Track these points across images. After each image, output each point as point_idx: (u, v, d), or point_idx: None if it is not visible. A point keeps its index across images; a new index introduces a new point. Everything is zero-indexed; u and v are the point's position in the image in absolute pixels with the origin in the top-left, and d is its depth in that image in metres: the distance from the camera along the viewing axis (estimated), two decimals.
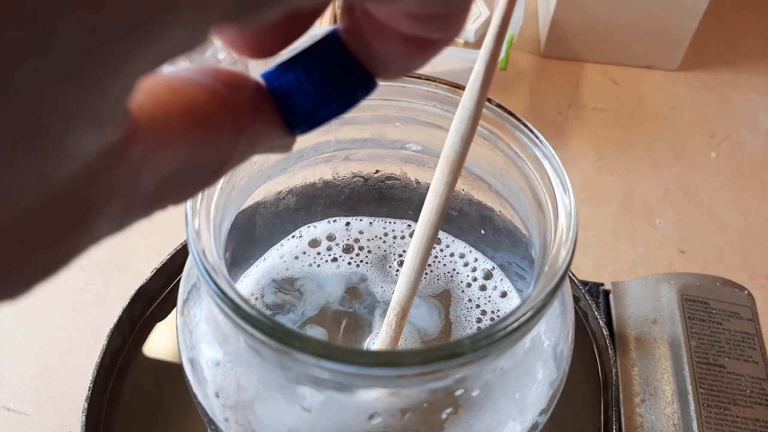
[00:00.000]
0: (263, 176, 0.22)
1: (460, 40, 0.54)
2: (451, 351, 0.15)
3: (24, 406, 0.40)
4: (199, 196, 0.18)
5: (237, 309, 0.16)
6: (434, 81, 0.21)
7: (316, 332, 0.26)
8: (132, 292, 0.26)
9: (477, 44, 0.54)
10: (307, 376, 0.17)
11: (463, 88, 0.22)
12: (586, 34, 0.61)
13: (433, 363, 0.15)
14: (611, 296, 0.40)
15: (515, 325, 0.16)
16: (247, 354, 0.18)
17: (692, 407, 0.35)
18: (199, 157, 0.12)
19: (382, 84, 0.22)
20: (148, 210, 0.12)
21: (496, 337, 0.16)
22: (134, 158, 0.11)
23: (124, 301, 0.25)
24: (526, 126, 0.20)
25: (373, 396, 0.18)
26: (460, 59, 0.49)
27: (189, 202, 0.18)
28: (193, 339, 0.20)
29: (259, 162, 0.21)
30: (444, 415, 0.18)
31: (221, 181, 0.19)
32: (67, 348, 0.44)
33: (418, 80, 0.21)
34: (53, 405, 0.40)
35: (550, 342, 0.19)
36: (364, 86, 0.14)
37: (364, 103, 0.23)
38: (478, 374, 0.18)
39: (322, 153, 0.24)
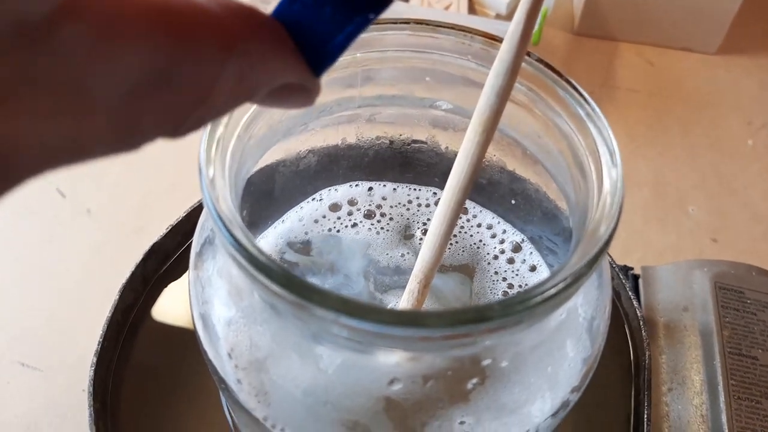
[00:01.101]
0: (283, 128, 0.21)
1: (491, 12, 0.52)
2: (480, 314, 0.14)
3: (38, 362, 0.40)
4: (214, 142, 0.17)
5: (252, 258, 0.15)
6: (470, 32, 0.20)
7: None
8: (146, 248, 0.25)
9: (508, 17, 0.52)
10: (324, 334, 0.16)
11: (500, 40, 0.20)
12: (622, 12, 0.59)
13: (459, 326, 0.14)
14: (641, 281, 0.38)
15: (552, 291, 0.14)
16: (262, 310, 0.17)
17: (722, 399, 0.34)
18: (172, 71, 0.11)
19: (411, 34, 0.21)
20: (121, 132, 0.11)
21: (530, 304, 0.14)
22: (72, 44, 0.09)
23: (139, 259, 0.24)
24: (569, 83, 0.18)
25: (394, 359, 0.17)
26: (492, 31, 0.48)
27: (203, 147, 0.17)
28: (205, 294, 0.19)
29: (278, 111, 0.20)
30: (469, 385, 0.17)
31: (237, 129, 0.18)
32: (82, 308, 0.43)
33: (452, 30, 0.20)
34: (66, 362, 0.40)
35: (585, 315, 0.18)
36: None
37: (392, 55, 0.21)
38: (508, 343, 0.16)
39: (346, 109, 0.23)
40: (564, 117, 0.19)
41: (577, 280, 0.15)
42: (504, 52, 0.18)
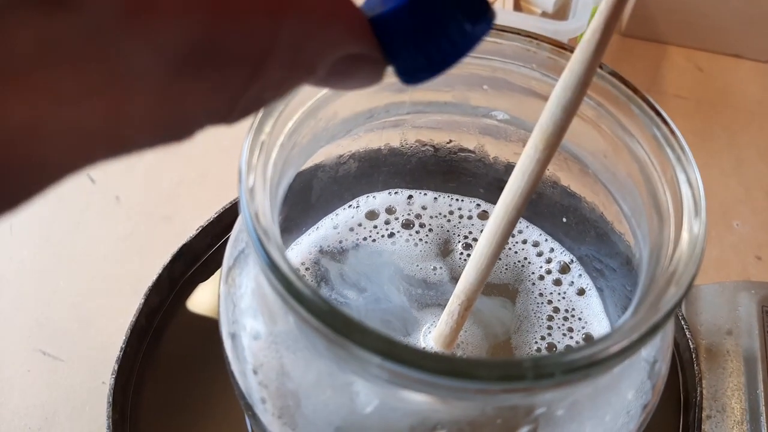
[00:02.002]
0: (328, 135, 0.19)
1: (537, 9, 0.50)
2: (539, 371, 0.13)
3: (59, 351, 0.39)
4: (257, 149, 0.16)
5: (288, 285, 0.14)
6: (536, 39, 0.18)
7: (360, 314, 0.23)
8: (175, 249, 0.24)
9: (555, 15, 0.50)
10: (363, 371, 0.14)
11: (568, 49, 0.18)
12: (672, 14, 0.56)
13: (516, 381, 0.12)
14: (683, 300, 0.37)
15: (616, 348, 0.13)
16: (297, 337, 0.16)
17: (764, 430, 0.32)
18: (217, 42, 0.09)
19: None
20: (165, 117, 0.09)
21: (595, 359, 0.13)
22: (103, 13, 0.08)
23: (166, 258, 0.23)
24: (646, 101, 0.17)
25: (441, 405, 0.15)
26: (538, 29, 0.46)
27: (244, 156, 0.15)
28: (236, 312, 0.17)
29: (324, 118, 0.18)
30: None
31: (281, 137, 0.16)
32: (107, 297, 0.43)
33: (517, 36, 0.18)
34: (88, 353, 0.39)
35: (648, 358, 0.16)
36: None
37: None
38: (565, 393, 0.15)
39: (394, 115, 0.21)
40: (637, 138, 0.17)
41: (643, 339, 0.13)
42: (575, 63, 0.16)
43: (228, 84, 0.10)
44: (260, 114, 0.16)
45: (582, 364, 0.13)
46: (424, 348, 0.20)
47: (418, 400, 0.14)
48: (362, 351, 0.13)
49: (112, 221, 0.47)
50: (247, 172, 0.15)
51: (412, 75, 0.12)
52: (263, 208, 0.15)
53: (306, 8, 0.10)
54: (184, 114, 0.10)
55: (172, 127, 0.10)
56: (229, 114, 0.10)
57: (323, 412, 0.16)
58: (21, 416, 0.37)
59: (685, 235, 0.15)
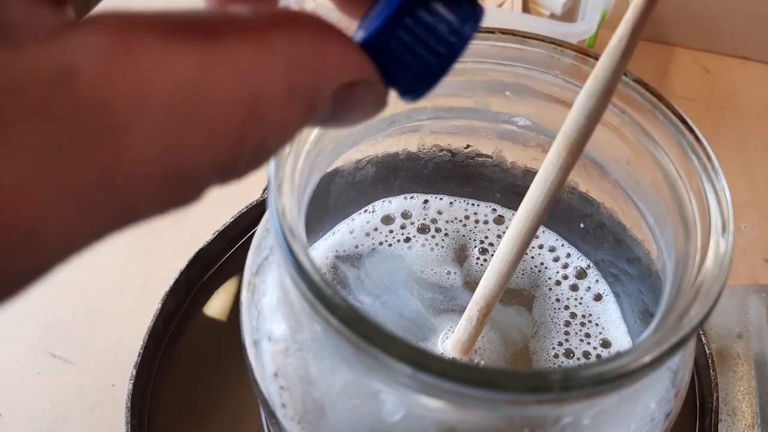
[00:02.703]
0: (350, 141, 0.19)
1: (545, 11, 0.50)
2: (568, 383, 0.13)
3: (69, 354, 0.39)
4: (284, 162, 0.16)
5: (316, 290, 0.13)
6: (560, 45, 0.18)
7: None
8: (189, 253, 0.24)
9: (563, 17, 0.50)
10: (392, 380, 0.14)
11: (593, 56, 0.18)
12: (680, 16, 0.56)
13: (546, 392, 0.12)
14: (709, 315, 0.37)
15: (642, 362, 0.13)
16: (322, 345, 0.16)
17: None
18: (206, 82, 0.09)
19: (495, 45, 0.19)
20: (165, 174, 0.09)
21: (625, 371, 0.13)
22: (83, 53, 0.08)
23: (179, 261, 0.23)
24: (671, 109, 0.17)
25: (468, 415, 0.15)
26: (545, 32, 0.46)
27: (273, 163, 0.15)
28: (259, 320, 0.17)
29: None
30: None
31: (306, 145, 0.16)
32: (117, 301, 0.43)
33: (541, 43, 0.18)
34: (98, 356, 0.39)
35: (671, 367, 0.17)
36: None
37: (473, 66, 0.20)
38: (595, 402, 0.15)
39: (414, 120, 0.21)
40: (662, 146, 0.17)
41: (671, 352, 0.13)
42: (600, 70, 0.16)
43: (226, 127, 0.09)
44: None
45: (611, 376, 0.13)
46: (453, 358, 0.20)
47: (445, 409, 0.14)
48: (393, 361, 0.13)
49: None
50: (276, 172, 0.15)
51: (414, 90, 0.12)
52: (290, 207, 0.15)
53: (296, 37, 0.10)
54: (187, 168, 0.09)
55: (177, 181, 0.09)
56: (235, 164, 0.10)
57: (349, 420, 0.16)
58: (32, 419, 0.37)
59: (711, 249, 0.15)
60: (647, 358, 0.13)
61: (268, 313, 0.17)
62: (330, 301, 0.13)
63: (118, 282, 0.43)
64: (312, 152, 0.16)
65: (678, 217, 0.16)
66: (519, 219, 0.19)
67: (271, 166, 0.15)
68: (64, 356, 0.40)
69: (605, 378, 0.13)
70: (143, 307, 0.42)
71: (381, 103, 0.12)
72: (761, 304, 0.37)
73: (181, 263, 0.23)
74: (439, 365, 0.13)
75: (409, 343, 0.13)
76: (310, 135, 0.16)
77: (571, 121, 0.17)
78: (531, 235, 0.19)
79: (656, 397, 0.16)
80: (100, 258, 0.45)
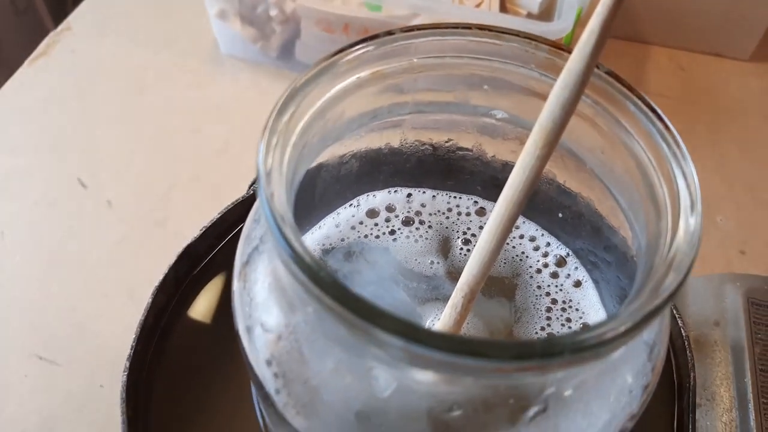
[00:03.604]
0: (334, 135, 0.20)
1: (522, 10, 0.51)
2: (549, 349, 0.13)
3: (55, 356, 0.40)
4: (272, 144, 0.16)
5: (309, 271, 0.14)
6: (534, 40, 0.19)
7: None
8: (175, 249, 0.25)
9: (540, 16, 0.51)
10: (383, 357, 0.15)
11: (564, 49, 0.19)
12: (654, 14, 0.57)
13: (534, 359, 0.13)
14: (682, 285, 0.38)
15: (622, 329, 0.14)
16: (314, 326, 0.17)
17: (752, 416, 0.33)
18: None
19: (473, 40, 0.20)
20: None
21: (603, 339, 0.14)
22: None
23: (169, 259, 0.23)
24: (642, 99, 0.17)
25: (457, 386, 0.16)
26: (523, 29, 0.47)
27: (262, 152, 0.16)
28: (252, 306, 0.18)
29: (332, 119, 0.19)
30: (531, 414, 0.16)
31: (293, 137, 0.17)
32: (101, 301, 0.43)
33: (516, 37, 0.19)
34: (85, 357, 0.39)
35: (648, 341, 0.17)
36: None
37: (450, 61, 0.20)
38: (575, 373, 0.16)
39: (396, 115, 0.22)
40: (634, 135, 0.18)
41: (647, 319, 0.14)
42: (573, 62, 0.17)
43: None
44: (273, 113, 0.16)
45: (591, 344, 0.14)
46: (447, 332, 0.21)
47: (435, 381, 0.15)
48: (385, 334, 0.13)
49: (104, 226, 0.47)
50: (265, 156, 0.16)
51: None
52: (279, 193, 0.16)
53: None
54: None
55: None
56: None
57: (343, 398, 0.17)
58: (19, 421, 0.37)
59: (681, 226, 0.16)
60: (624, 327, 0.14)
61: (260, 300, 0.18)
62: (323, 281, 0.14)
63: (101, 284, 0.43)
64: (298, 144, 0.17)
65: (650, 201, 0.17)
66: (499, 208, 0.20)
67: (259, 155, 0.16)
68: (50, 358, 0.40)
69: (585, 345, 0.14)
70: (127, 308, 0.42)
71: None
72: (736, 293, 0.38)
73: (166, 265, 0.23)
74: (428, 337, 0.13)
75: (400, 317, 0.13)
76: (297, 126, 0.17)
77: (546, 112, 0.18)
78: (511, 223, 0.20)
79: (634, 370, 0.17)
80: (82, 261, 0.45)
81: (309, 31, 0.53)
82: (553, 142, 0.18)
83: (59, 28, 0.61)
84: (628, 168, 0.18)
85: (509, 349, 0.13)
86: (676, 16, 0.56)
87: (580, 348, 0.13)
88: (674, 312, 0.28)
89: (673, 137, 0.17)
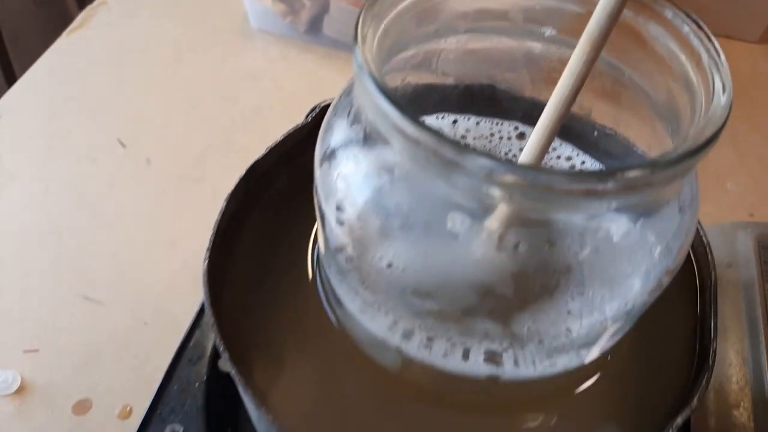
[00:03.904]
0: (405, 41, 0.22)
1: None
2: (608, 176, 0.16)
3: (100, 296, 0.42)
4: (370, 20, 0.18)
5: (402, 108, 0.16)
6: None
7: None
8: (212, 214, 0.27)
9: None
10: (467, 185, 0.17)
11: None
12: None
13: (592, 182, 0.15)
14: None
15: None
16: (398, 169, 0.19)
17: (763, 343, 0.36)
18: None
19: None
20: None
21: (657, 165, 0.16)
22: None
23: (207, 221, 0.25)
24: (676, 6, 0.20)
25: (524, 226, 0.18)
26: None
27: (361, 18, 0.18)
28: (339, 181, 0.20)
29: (408, 23, 0.21)
30: (585, 253, 0.18)
31: (380, 28, 0.19)
32: (142, 249, 0.45)
33: None
34: (127, 297, 0.42)
35: (681, 205, 0.20)
36: None
37: None
38: (624, 219, 0.18)
39: (453, 33, 0.24)
40: (670, 36, 0.20)
41: (693, 155, 0.16)
42: None
43: None
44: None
45: (669, 159, 0.16)
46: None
47: (508, 214, 0.17)
48: (472, 158, 0.15)
49: (144, 182, 0.49)
50: (362, 39, 0.18)
51: None
52: (373, 57, 0.18)
53: None
54: None
55: None
56: None
57: (418, 233, 0.19)
58: (67, 353, 0.39)
59: (715, 102, 0.18)
60: (675, 154, 0.16)
61: (344, 171, 0.20)
62: (414, 118, 0.16)
63: (142, 234, 0.45)
64: (388, 29, 0.19)
65: (684, 91, 0.19)
66: (551, 103, 0.22)
67: (359, 20, 0.18)
68: (95, 298, 0.42)
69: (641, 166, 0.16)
70: (167, 254, 0.44)
71: None
72: (747, 238, 0.41)
73: (207, 221, 0.25)
74: (508, 164, 0.15)
75: (480, 150, 0.16)
76: (380, 27, 0.19)
77: (594, 21, 0.21)
78: (565, 112, 0.22)
79: (670, 230, 0.19)
80: (124, 213, 0.47)
81: (338, 5, 0.56)
82: (599, 47, 0.21)
83: (95, 2, 0.63)
84: (662, 67, 0.21)
85: (575, 176, 0.15)
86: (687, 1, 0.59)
87: (664, 164, 0.16)
88: (699, 225, 0.30)
89: (706, 34, 0.19)
